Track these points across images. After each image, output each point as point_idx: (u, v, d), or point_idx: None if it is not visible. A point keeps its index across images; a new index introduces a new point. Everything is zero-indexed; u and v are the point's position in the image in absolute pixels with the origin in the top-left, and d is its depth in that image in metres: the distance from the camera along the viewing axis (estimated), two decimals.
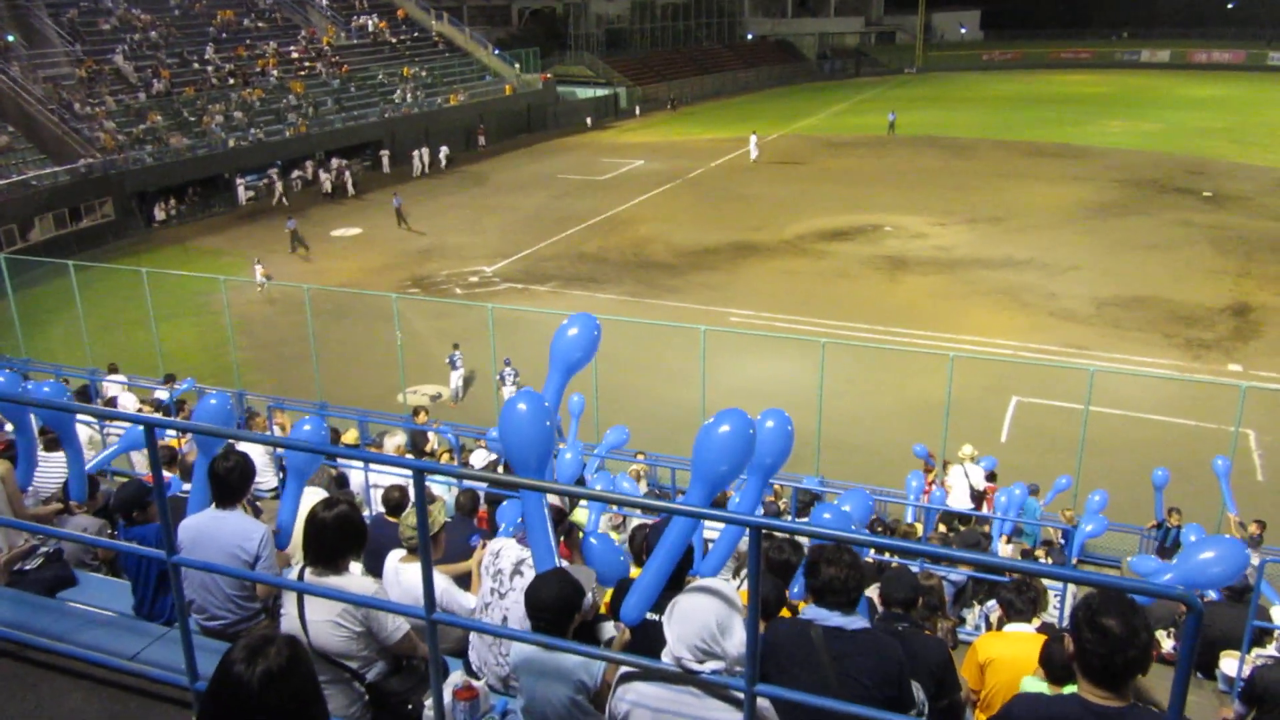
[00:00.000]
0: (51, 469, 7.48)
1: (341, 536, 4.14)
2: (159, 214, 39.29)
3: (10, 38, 40.03)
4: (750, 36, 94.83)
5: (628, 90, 70.87)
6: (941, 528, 11.80)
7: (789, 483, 12.51)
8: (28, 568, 5.88)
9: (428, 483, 9.01)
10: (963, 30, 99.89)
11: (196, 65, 45.78)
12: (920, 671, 4.80)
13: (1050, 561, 10.03)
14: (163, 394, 16.14)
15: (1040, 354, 22.28)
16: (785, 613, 5.42)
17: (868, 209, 37.19)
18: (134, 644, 4.55)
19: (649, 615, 4.05)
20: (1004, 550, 11.25)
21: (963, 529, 11.81)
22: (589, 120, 63.00)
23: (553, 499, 4.87)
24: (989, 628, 8.23)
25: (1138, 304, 25.89)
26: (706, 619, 3.17)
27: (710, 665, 3.17)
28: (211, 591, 5.19)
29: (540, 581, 3.93)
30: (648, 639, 3.63)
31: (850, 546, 4.30)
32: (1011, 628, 5.63)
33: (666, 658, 3.24)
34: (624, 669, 3.39)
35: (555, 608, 3.81)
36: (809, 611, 4.17)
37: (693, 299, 27.34)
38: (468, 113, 54.69)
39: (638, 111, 68.38)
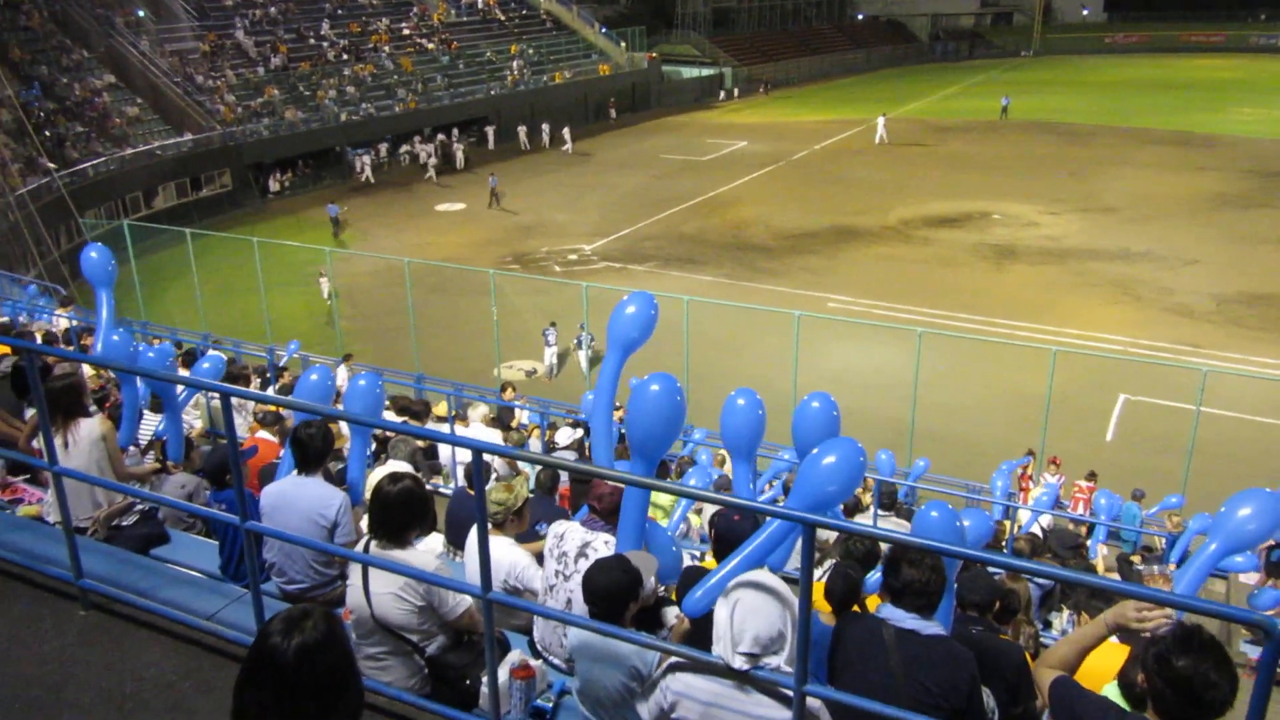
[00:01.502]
0: (153, 428, 7.80)
1: (405, 511, 4.19)
2: (273, 185, 40.59)
3: (140, 13, 41.67)
4: (860, 17, 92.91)
5: (733, 70, 70.17)
6: (1036, 528, 11.42)
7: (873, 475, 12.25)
8: (124, 524, 6.13)
9: (514, 460, 9.10)
10: (1085, 12, 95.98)
11: (312, 41, 46.99)
12: (993, 677, 4.64)
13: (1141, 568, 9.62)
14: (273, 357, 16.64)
15: (1152, 351, 21.37)
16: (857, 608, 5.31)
17: (976, 195, 36.17)
18: (213, 604, 4.69)
19: None
20: (1101, 555, 10.84)
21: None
22: (612, 113, 59.48)
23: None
24: None
25: (1262, 302, 24.59)
26: (773, 617, 3.12)
27: (769, 661, 3.12)
28: (291, 557, 5.34)
29: (598, 567, 3.91)
30: (707, 631, 3.58)
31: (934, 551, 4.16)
32: None
33: (719, 648, 3.19)
34: (673, 658, 3.35)
35: (611, 594, 3.79)
36: (884, 610, 4.07)
37: (791, 283, 27.03)
38: (573, 90, 54.91)
39: (736, 94, 67.43)
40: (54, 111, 34.62)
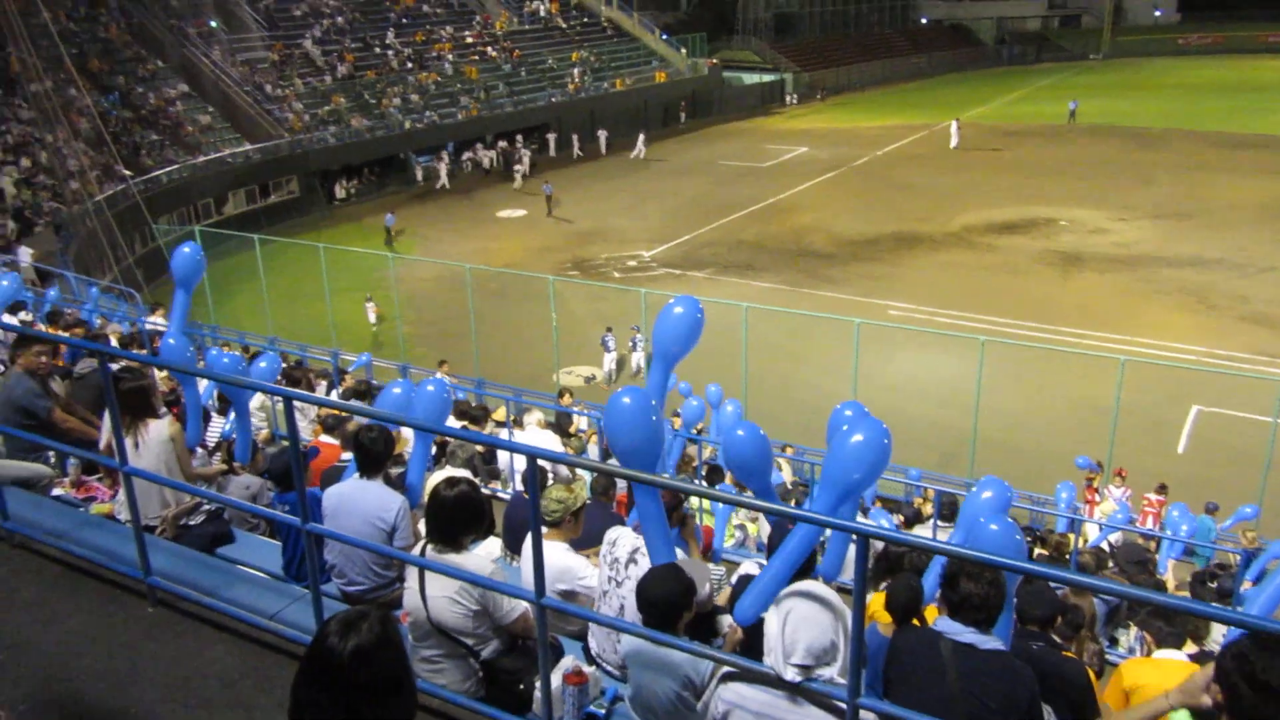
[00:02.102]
0: (216, 430, 7.98)
1: (460, 515, 4.23)
2: (339, 192, 41.37)
3: (213, 24, 42.76)
4: (924, 20, 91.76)
5: (794, 76, 69.80)
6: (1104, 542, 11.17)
7: (935, 484, 12.08)
8: (192, 523, 6.27)
9: (571, 465, 9.12)
10: (1158, 13, 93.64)
11: (378, 50, 47.78)
12: (1054, 695, 4.54)
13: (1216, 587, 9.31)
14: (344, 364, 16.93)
15: (1227, 361, 20.78)
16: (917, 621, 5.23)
17: (1042, 201, 35.54)
18: (275, 603, 4.78)
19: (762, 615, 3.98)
20: (1171, 571, 10.55)
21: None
22: (682, 116, 59.44)
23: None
24: (1144, 652, 7.74)
25: None
26: (826, 629, 3.10)
27: (821, 673, 3.08)
28: (351, 559, 5.42)
29: (651, 576, 3.90)
30: (759, 641, 3.55)
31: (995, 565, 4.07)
32: (1162, 654, 5.25)
33: (771, 659, 3.17)
34: (725, 668, 3.34)
35: (664, 604, 3.78)
36: (941, 623, 4.00)
37: (852, 290, 26.80)
38: (633, 97, 55.09)
39: (795, 100, 66.89)
40: (130, 120, 35.67)
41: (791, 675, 3.15)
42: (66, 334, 10.83)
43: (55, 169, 29.58)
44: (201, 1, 43.10)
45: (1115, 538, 11.28)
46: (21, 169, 29.35)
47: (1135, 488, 14.59)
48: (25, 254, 22.59)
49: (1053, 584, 5.73)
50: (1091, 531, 11.87)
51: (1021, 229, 32.42)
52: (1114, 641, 8.32)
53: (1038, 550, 10.07)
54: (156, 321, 14.93)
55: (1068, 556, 9.64)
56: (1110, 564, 9.37)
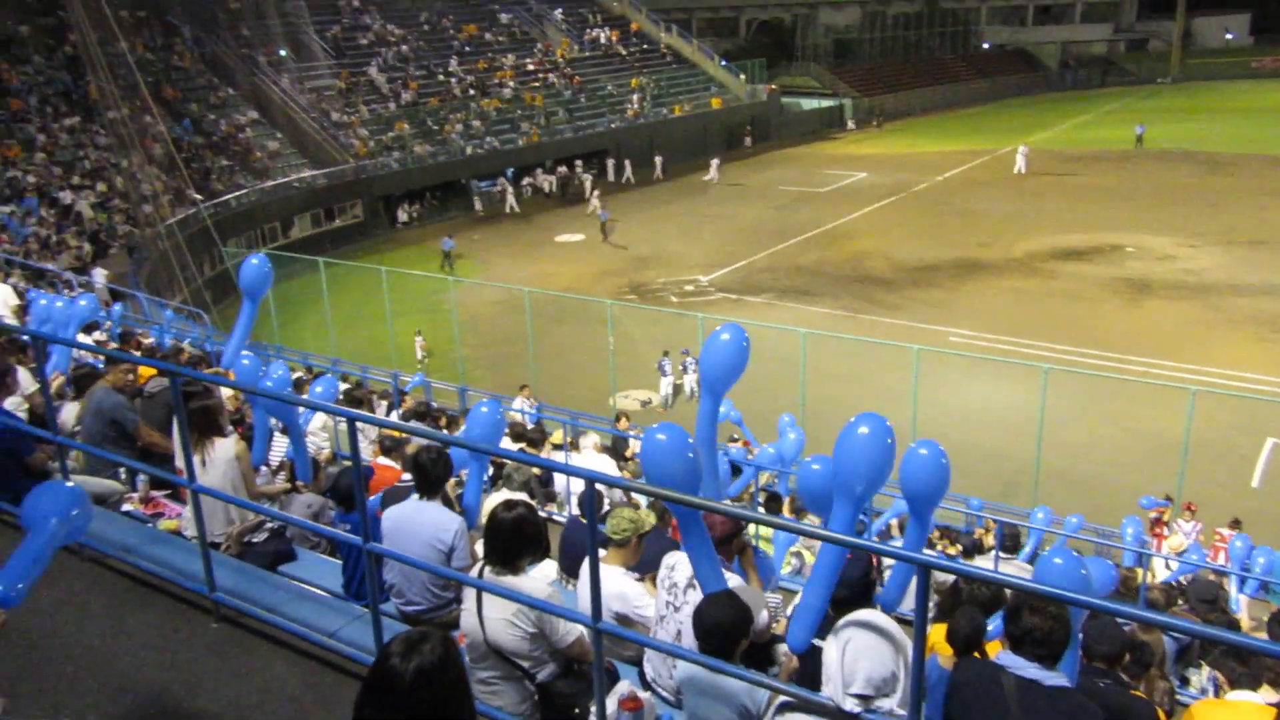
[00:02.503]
0: (279, 449, 8.12)
1: (516, 538, 4.25)
2: (402, 216, 42.04)
3: (282, 52, 43.91)
4: (986, 45, 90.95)
5: (853, 101, 69.57)
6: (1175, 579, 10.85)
7: (996, 515, 11.85)
8: (255, 541, 6.38)
9: (626, 488, 9.12)
10: (1229, 36, 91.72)
11: (441, 77, 48.64)
12: None
13: None
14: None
15: None
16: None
17: (1108, 228, 34.89)
18: (335, 621, 4.84)
19: (815, 641, 3.93)
20: (1245, 609, 10.21)
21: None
22: (748, 140, 59.29)
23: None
24: (1216, 693, 7.48)
25: None
26: (886, 659, 3.05)
27: (881, 704, 3.03)
28: (410, 579, 5.47)
29: (707, 603, 3.88)
30: (817, 670, 3.51)
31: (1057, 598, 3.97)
32: (1236, 696, 5.08)
33: (829, 688, 3.13)
34: (783, 698, 3.30)
35: (720, 631, 3.75)
36: (1004, 657, 3.92)
37: (911, 316, 26.52)
38: (692, 123, 55.33)
39: (854, 125, 66.53)
40: (201, 146, 36.71)
41: (850, 706, 3.10)
42: (138, 354, 11.12)
43: (130, 193, 30.51)
44: (272, 31, 44.28)
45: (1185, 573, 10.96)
46: (98, 193, 30.31)
47: (1206, 522, 14.18)
48: (100, 275, 23.28)
49: (1120, 620, 5.59)
50: (1159, 567, 11.54)
51: (1087, 256, 31.85)
52: (1185, 681, 8.06)
53: None
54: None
55: (1136, 592, 9.38)
56: (1180, 601, 9.10)
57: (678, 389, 22.51)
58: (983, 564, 9.75)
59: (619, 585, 5.36)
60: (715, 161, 49.39)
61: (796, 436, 13.16)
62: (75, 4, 29.63)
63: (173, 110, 36.90)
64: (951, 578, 7.23)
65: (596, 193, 42.19)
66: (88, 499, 3.98)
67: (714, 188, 47.08)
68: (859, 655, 3.11)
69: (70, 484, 4.19)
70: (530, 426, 12.72)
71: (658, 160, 50.17)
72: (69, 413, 7.45)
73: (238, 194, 35.05)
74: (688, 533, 4.33)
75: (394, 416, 12.69)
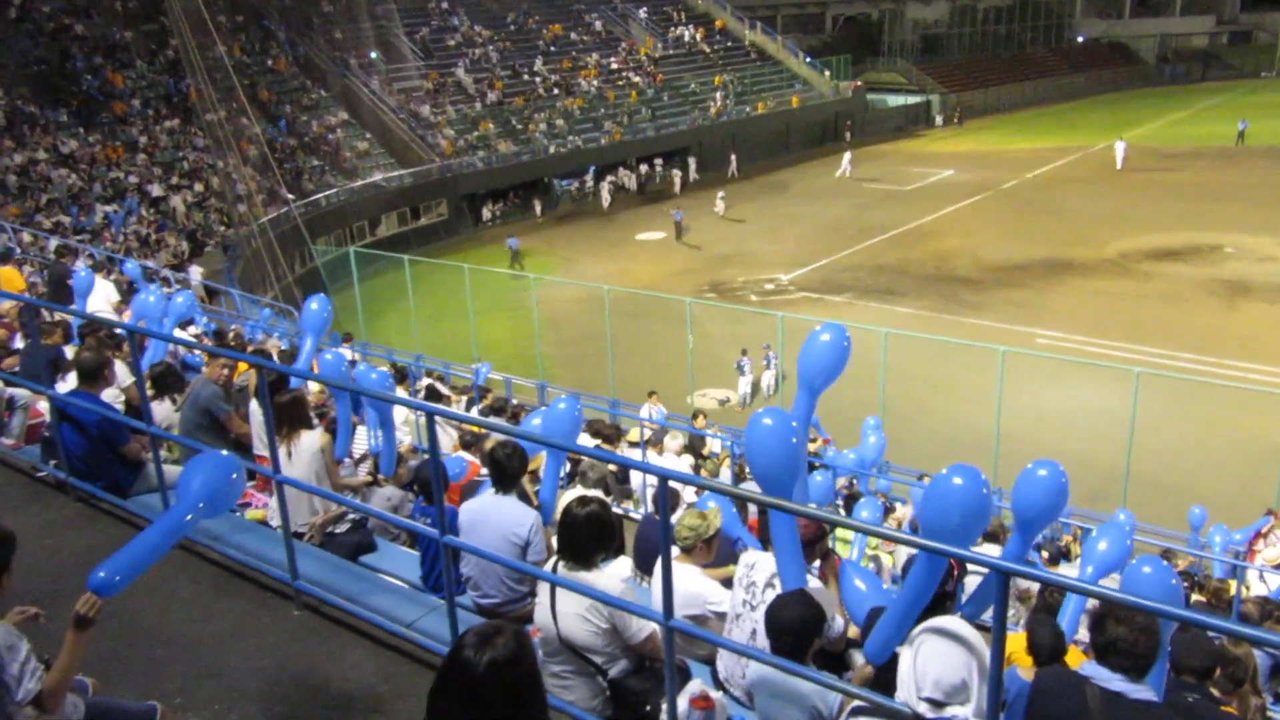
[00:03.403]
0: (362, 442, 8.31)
1: (589, 534, 4.29)
2: (486, 214, 42.62)
3: (373, 54, 44.87)
4: (1080, 39, 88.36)
5: (941, 97, 68.26)
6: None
7: (1084, 522, 11.55)
8: (337, 531, 6.56)
9: (701, 486, 9.12)
10: None
11: (526, 77, 49.16)
12: None
13: None
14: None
15: None
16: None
17: (1206, 227, 33.64)
18: (413, 612, 4.95)
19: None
20: None
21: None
22: (847, 135, 58.32)
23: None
24: None
25: None
26: (956, 666, 3.00)
27: (950, 712, 2.99)
28: (486, 572, 5.55)
29: (780, 602, 3.87)
30: (889, 677, 3.47)
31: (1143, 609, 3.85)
32: None
33: (903, 692, 3.09)
34: (855, 703, 3.27)
35: (793, 630, 3.73)
36: (1088, 668, 3.83)
37: (997, 317, 25.94)
38: (774, 121, 54.95)
39: (939, 121, 65.22)
40: (294, 147, 37.73)
41: (923, 710, 3.06)
42: (232, 348, 11.49)
43: (225, 192, 31.52)
44: (363, 33, 45.30)
45: None
46: (195, 193, 31.38)
47: None
48: (196, 272, 24.10)
49: (1211, 633, 5.40)
50: (1251, 577, 11.10)
51: (1183, 256, 30.78)
52: (1279, 698, 7.75)
53: (1195, 596, 9.49)
54: (345, 352, 15.22)
55: (1228, 603, 9.06)
56: (1277, 615, 8.75)
57: (756, 387, 22.40)
58: (1068, 572, 9.50)
59: (694, 585, 5.37)
60: (848, 155, 48.80)
61: (877, 440, 13.01)
62: (176, 10, 30.74)
63: (267, 112, 38.00)
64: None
65: (721, 193, 41.38)
66: (242, 471, 4.17)
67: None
68: (929, 659, 3.07)
69: (225, 452, 4.37)
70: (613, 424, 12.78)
71: (732, 158, 49.88)
72: (156, 409, 7.73)
73: (328, 193, 35.95)
74: (777, 528, 4.32)
75: (474, 412, 12.88)
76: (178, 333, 10.33)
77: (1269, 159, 45.49)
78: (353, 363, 10.47)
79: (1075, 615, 5.58)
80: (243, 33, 41.37)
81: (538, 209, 42.96)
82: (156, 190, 29.84)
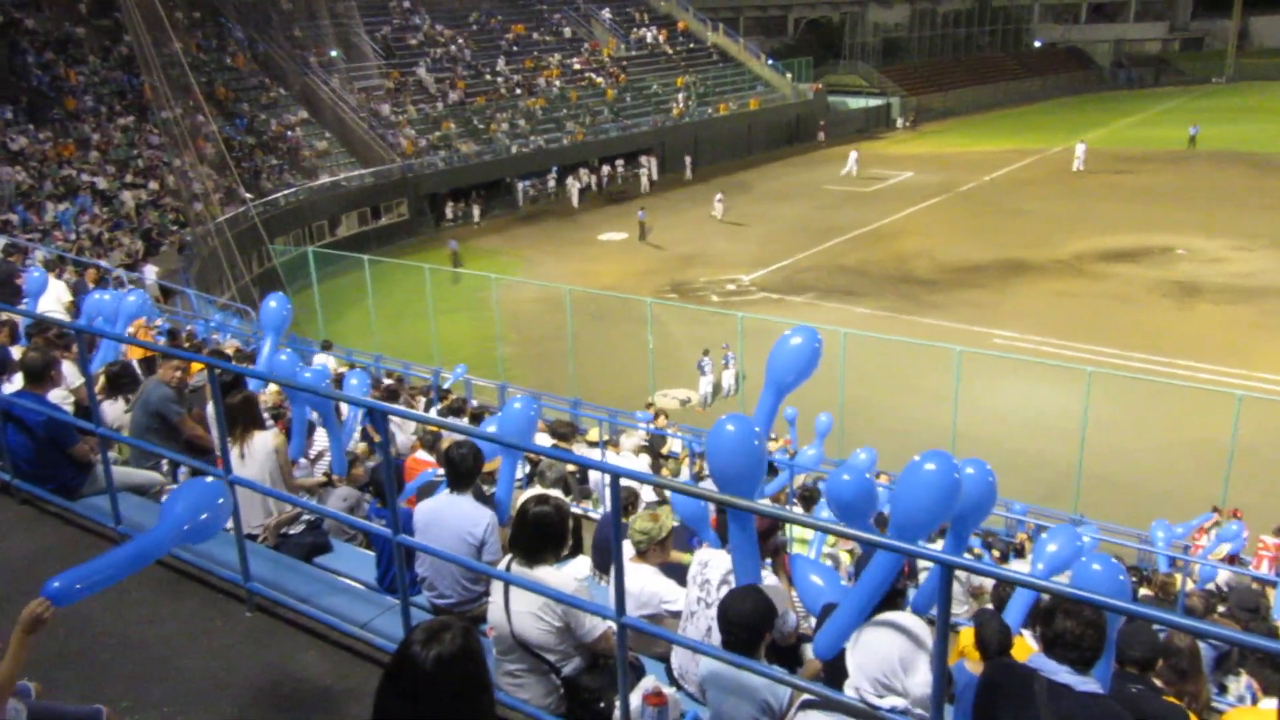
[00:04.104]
0: (321, 443, 8.26)
1: (538, 533, 4.30)
2: (448, 214, 42.40)
3: (334, 53, 44.48)
4: (1038, 44, 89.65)
5: (901, 100, 68.91)
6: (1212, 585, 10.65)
7: (1038, 519, 11.72)
8: (292, 532, 6.51)
9: (661, 487, 9.15)
10: None
11: (488, 77, 48.98)
12: None
13: None
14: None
15: None
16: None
17: (1158, 229, 34.27)
18: (367, 612, 4.94)
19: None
20: None
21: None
22: (821, 135, 59.60)
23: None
24: (1254, 700, 7.36)
25: None
26: (889, 654, 3.05)
27: (889, 701, 3.03)
28: (441, 572, 5.55)
29: (732, 597, 3.91)
30: (839, 670, 3.52)
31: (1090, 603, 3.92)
32: (1269, 704, 4.99)
33: (849, 689, 3.14)
34: (805, 696, 3.31)
35: (745, 624, 3.77)
36: (1035, 660, 3.89)
37: (955, 317, 26.25)
38: (736, 122, 55.20)
39: (904, 124, 65.72)
40: (252, 145, 37.30)
41: (870, 699, 3.11)
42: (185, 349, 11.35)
43: (181, 191, 31.09)
44: (323, 31, 44.87)
45: (1226, 578, 10.76)
46: (150, 191, 30.92)
47: (1253, 529, 13.90)
48: (151, 272, 23.74)
49: (1156, 625, 5.51)
50: (1197, 571, 11.34)
51: (1135, 257, 31.33)
52: (1223, 689, 7.93)
53: (1142, 590, 9.68)
54: (327, 361, 14.89)
55: (1175, 598, 9.24)
56: (1221, 608, 8.95)
57: (717, 388, 22.50)
58: (1020, 568, 9.63)
59: (650, 584, 5.41)
60: (854, 154, 49.04)
61: (869, 457, 12.94)
62: (130, 5, 30.26)
63: (225, 110, 37.54)
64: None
65: (719, 195, 40.80)
66: (228, 496, 4.17)
67: (758, 186, 46.78)
68: (870, 650, 3.11)
69: (210, 480, 4.35)
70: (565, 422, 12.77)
71: (687, 160, 49.96)
72: (108, 409, 7.63)
73: (286, 193, 35.57)
74: (736, 527, 4.35)
75: (433, 412, 12.83)
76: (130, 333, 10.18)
77: (1219, 163, 46.42)
78: (338, 378, 10.45)
79: (1021, 610, 5.68)
80: (199, 29, 40.82)
81: (475, 214, 42.55)
82: (103, 184, 29.33)
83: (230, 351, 13.28)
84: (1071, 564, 6.39)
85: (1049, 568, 6.39)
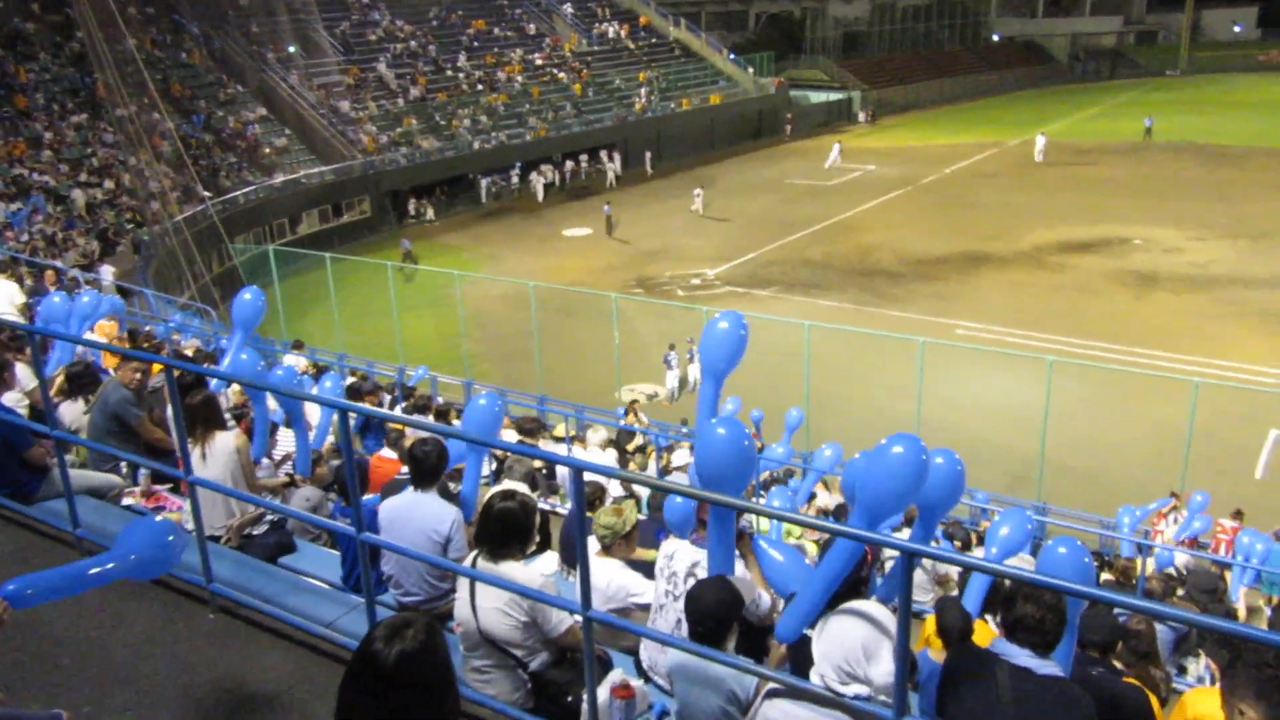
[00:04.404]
0: (287, 443, 8.17)
1: (501, 529, 4.29)
2: (411, 210, 42.10)
3: (292, 49, 43.99)
4: (996, 38, 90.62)
5: (862, 94, 69.33)
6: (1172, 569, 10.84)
7: (1001, 508, 11.85)
8: (255, 533, 6.44)
9: (628, 481, 9.17)
10: (1237, 28, 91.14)
11: (449, 72, 48.67)
12: None
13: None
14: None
15: None
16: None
17: (1115, 220, 34.77)
18: (332, 612, 4.89)
19: (806, 631, 3.95)
20: (1243, 598, 10.21)
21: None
22: (788, 129, 60.24)
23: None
24: (1212, 681, 7.50)
25: None
26: (852, 641, 3.07)
27: (853, 689, 3.06)
28: (406, 570, 5.51)
29: (699, 588, 3.92)
30: (805, 657, 3.54)
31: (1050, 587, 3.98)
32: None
33: (814, 677, 3.16)
34: (771, 684, 3.33)
35: (711, 614, 3.79)
36: (998, 645, 3.94)
37: (918, 309, 26.48)
38: (699, 117, 55.28)
39: (866, 118, 66.11)
40: (210, 143, 36.82)
41: (825, 684, 3.13)
42: (146, 349, 11.18)
43: (137, 190, 30.62)
44: (280, 28, 44.37)
45: (1185, 561, 10.96)
46: (105, 190, 30.43)
47: (1210, 513, 14.15)
48: (107, 272, 23.38)
49: (1116, 609, 5.60)
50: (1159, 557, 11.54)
51: (1094, 248, 31.77)
52: (1182, 670, 8.08)
53: (1104, 575, 9.84)
54: (296, 362, 14.61)
55: (1135, 582, 9.39)
56: (1180, 591, 9.11)
57: (683, 382, 22.54)
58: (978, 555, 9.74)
59: (617, 578, 5.41)
60: (837, 146, 49.49)
61: (833, 454, 13.01)
62: (82, 1, 29.74)
63: (181, 107, 37.01)
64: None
65: (697, 190, 40.78)
66: (181, 535, 4.15)
67: (722, 180, 46.86)
68: (834, 638, 3.14)
69: (160, 519, 4.31)
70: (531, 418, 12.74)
71: (647, 155, 49.96)
72: (67, 410, 7.51)
73: (246, 190, 35.16)
74: (718, 525, 4.34)
75: (398, 410, 12.74)
76: (89, 335, 10.02)
77: (1174, 154, 47.16)
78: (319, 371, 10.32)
79: (979, 595, 5.75)
80: (153, 25, 40.20)
81: (430, 213, 42.22)
82: (54, 183, 28.82)
83: (190, 352, 13.13)
84: (1024, 546, 6.51)
85: (1003, 551, 6.50)
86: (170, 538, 4.03)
